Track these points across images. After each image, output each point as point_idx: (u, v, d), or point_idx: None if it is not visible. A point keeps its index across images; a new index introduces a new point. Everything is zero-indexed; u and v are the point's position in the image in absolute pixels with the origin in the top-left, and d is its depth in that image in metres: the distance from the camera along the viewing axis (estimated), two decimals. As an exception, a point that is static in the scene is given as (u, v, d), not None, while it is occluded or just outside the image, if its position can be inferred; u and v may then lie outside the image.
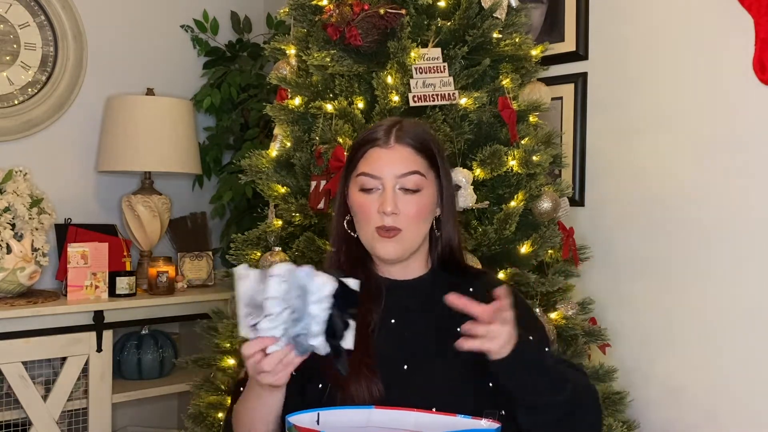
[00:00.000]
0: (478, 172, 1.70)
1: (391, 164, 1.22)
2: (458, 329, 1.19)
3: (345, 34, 1.68)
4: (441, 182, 1.28)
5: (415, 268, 1.30)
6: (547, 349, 1.24)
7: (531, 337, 1.16)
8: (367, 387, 1.14)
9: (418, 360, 1.20)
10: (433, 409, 1.09)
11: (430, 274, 1.31)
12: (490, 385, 1.18)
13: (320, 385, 1.18)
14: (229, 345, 1.80)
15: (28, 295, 2.32)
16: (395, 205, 1.21)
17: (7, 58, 2.54)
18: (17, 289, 2.26)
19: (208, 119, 3.01)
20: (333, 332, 1.01)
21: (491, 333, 1.05)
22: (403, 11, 1.71)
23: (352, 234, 1.29)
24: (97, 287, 2.37)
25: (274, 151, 1.85)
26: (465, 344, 1.06)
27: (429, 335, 1.23)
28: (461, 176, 1.64)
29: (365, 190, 1.24)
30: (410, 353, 1.20)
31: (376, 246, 1.24)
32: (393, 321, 1.24)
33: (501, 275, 1.69)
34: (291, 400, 1.15)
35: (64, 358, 2.30)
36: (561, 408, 1.14)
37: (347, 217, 1.30)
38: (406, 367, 1.19)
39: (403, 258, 1.25)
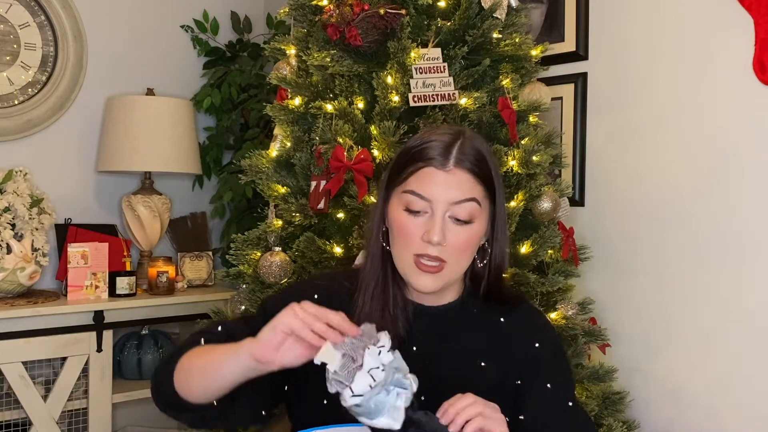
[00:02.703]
0: (478, 172, 1.70)
1: (447, 189, 1.10)
2: (482, 363, 1.16)
3: (345, 34, 1.68)
4: (496, 209, 1.17)
5: (447, 295, 1.21)
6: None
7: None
8: None
9: (437, 392, 1.12)
10: None
11: (460, 301, 1.22)
12: (507, 420, 1.13)
13: (325, 401, 1.11)
14: (229, 345, 1.80)
15: (28, 295, 2.32)
16: (443, 235, 1.10)
17: (7, 58, 2.54)
18: (17, 289, 2.26)
19: (208, 119, 3.01)
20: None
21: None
22: (403, 11, 1.70)
23: (386, 247, 1.18)
24: (97, 287, 2.37)
25: (274, 151, 1.85)
26: None
27: (451, 367, 1.16)
28: (461, 176, 1.63)
29: (411, 212, 1.12)
30: (430, 385, 1.11)
31: (412, 276, 1.13)
32: (415, 349, 1.16)
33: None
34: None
35: (64, 358, 2.30)
36: None
37: (383, 228, 1.19)
38: (424, 398, 1.11)
39: (438, 290, 1.16)
